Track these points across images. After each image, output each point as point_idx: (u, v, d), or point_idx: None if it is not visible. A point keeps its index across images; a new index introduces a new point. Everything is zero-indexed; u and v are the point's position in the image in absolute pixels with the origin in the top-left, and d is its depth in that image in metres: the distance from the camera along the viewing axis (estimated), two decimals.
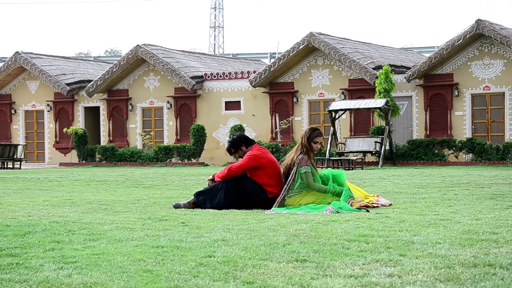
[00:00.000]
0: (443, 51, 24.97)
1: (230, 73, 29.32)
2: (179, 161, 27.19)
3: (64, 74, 31.49)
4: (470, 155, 23.91)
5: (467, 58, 25.32)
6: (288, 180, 7.82)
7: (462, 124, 25.41)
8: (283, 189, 7.81)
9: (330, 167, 20.02)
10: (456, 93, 25.38)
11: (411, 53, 34.49)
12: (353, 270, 4.01)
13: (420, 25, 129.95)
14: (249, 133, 28.15)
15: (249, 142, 8.25)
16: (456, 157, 24.10)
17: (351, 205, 7.49)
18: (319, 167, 13.92)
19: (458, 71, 25.43)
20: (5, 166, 25.72)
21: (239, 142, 8.22)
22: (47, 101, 31.90)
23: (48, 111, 31.95)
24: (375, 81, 25.10)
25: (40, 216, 7.09)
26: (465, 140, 23.93)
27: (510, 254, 4.42)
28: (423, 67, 25.40)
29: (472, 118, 25.40)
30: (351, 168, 21.45)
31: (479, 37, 24.92)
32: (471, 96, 25.34)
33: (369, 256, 4.44)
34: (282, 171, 8.10)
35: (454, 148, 24.05)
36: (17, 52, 31.48)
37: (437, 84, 25.65)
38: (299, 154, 7.88)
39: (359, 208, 7.42)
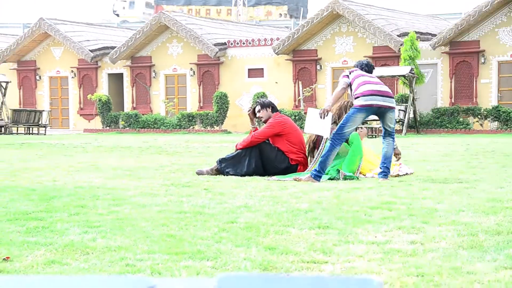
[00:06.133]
0: (470, 18, 24.55)
1: (253, 40, 29.15)
2: (202, 128, 27.26)
3: (88, 40, 31.55)
4: (496, 123, 23.65)
5: (495, 24, 24.88)
6: (319, 149, 7.82)
7: (488, 92, 25.08)
8: (314, 158, 7.85)
9: None
10: (483, 60, 25.01)
11: (437, 20, 33.96)
12: (375, 237, 4.01)
13: None
14: (272, 100, 28.04)
15: (275, 109, 8.35)
16: (481, 125, 23.86)
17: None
18: None
19: (484, 38, 25.02)
20: (31, 132, 26.01)
21: (268, 104, 8.39)
22: (71, 67, 32.04)
23: (72, 77, 32.11)
24: (399, 48, 24.81)
25: (65, 181, 7.17)
26: (491, 108, 23.65)
27: None
28: (449, 34, 25.02)
29: (499, 86, 25.06)
30: (374, 136, 21.33)
31: (508, 3, 24.43)
32: (498, 64, 24.96)
33: (391, 223, 4.43)
34: (306, 142, 8.16)
35: (479, 116, 23.80)
36: (41, 18, 31.55)
37: (463, 51, 25.28)
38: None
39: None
